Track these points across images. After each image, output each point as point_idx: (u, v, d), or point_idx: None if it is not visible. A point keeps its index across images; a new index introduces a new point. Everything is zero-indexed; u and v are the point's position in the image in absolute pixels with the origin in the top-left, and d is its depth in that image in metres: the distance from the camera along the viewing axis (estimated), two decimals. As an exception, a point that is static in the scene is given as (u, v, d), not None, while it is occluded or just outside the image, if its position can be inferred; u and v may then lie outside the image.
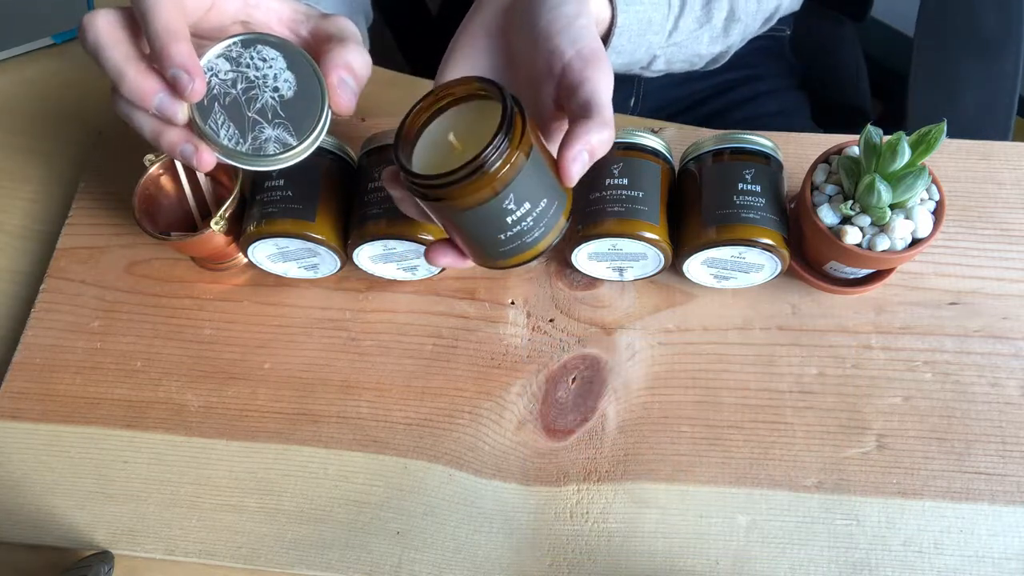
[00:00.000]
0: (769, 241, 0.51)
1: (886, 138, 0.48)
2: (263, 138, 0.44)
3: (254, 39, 0.44)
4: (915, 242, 0.50)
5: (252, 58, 0.44)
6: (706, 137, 0.55)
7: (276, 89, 0.44)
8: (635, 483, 0.53)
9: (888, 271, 0.56)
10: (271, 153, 0.44)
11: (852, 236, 0.50)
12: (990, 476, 0.51)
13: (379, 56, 0.60)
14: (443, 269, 0.59)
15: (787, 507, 0.51)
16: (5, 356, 0.60)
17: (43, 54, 0.73)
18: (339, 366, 0.58)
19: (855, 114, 0.88)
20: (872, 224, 0.50)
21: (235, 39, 0.44)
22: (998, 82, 0.71)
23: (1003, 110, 0.70)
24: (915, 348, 0.55)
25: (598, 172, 0.53)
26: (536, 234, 0.42)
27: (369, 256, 0.56)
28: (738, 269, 0.54)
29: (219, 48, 0.44)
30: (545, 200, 0.41)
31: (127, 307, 0.61)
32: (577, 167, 0.40)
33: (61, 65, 0.73)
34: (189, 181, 0.58)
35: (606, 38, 0.50)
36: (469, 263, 0.45)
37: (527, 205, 0.40)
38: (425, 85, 0.57)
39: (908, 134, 0.48)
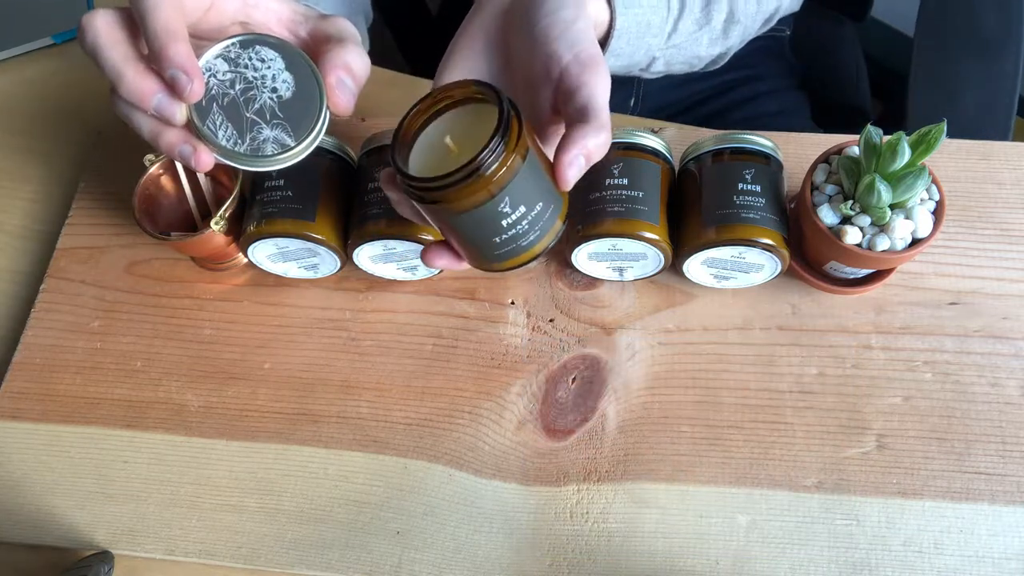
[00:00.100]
0: (769, 241, 0.51)
1: (886, 138, 0.48)
2: (261, 139, 0.44)
3: (252, 40, 0.44)
4: (915, 242, 0.50)
5: (250, 59, 0.44)
6: (706, 137, 0.55)
7: (274, 90, 0.44)
8: (635, 483, 0.53)
9: (888, 271, 0.56)
10: (269, 154, 0.44)
11: (852, 236, 0.50)
12: (990, 476, 0.51)
13: (379, 56, 0.60)
14: (443, 269, 0.59)
15: (787, 507, 0.51)
16: (5, 356, 0.60)
17: (43, 54, 0.73)
18: (339, 366, 0.58)
19: (855, 114, 0.88)
20: (872, 224, 0.50)
21: (233, 40, 0.44)
22: (998, 82, 0.71)
23: (1003, 110, 0.70)
24: (915, 348, 0.55)
25: (598, 172, 0.53)
26: (532, 237, 0.42)
27: (369, 256, 0.56)
28: (738, 269, 0.54)
29: (217, 49, 0.44)
30: (541, 204, 0.41)
31: (127, 307, 0.61)
32: (573, 171, 0.40)
33: (61, 65, 0.73)
34: (189, 181, 0.58)
35: (605, 41, 0.50)
36: (465, 265, 0.45)
37: (522, 208, 0.40)
38: (425, 85, 0.57)
39: (908, 134, 0.48)
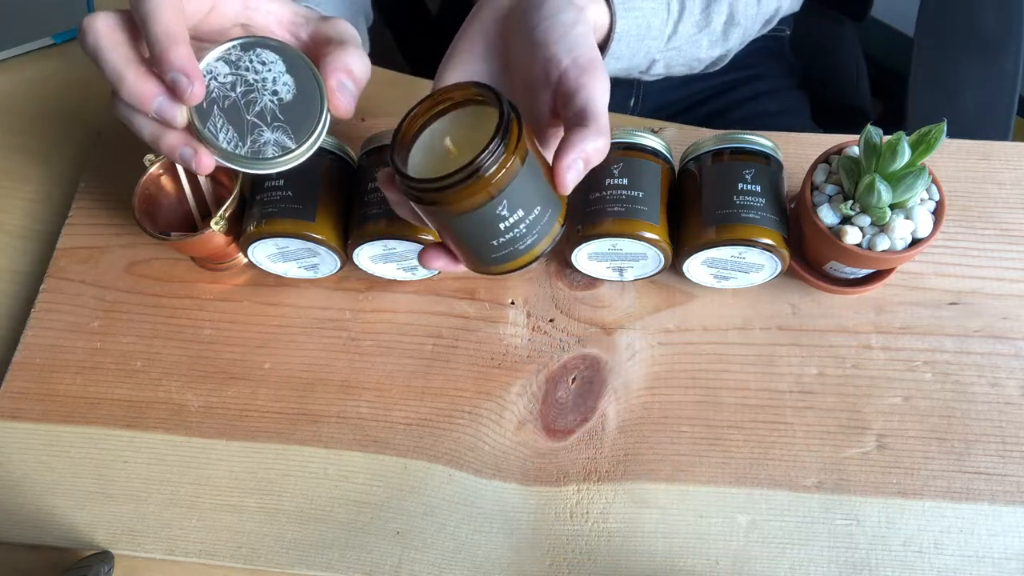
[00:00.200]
0: (769, 241, 0.51)
1: (886, 138, 0.48)
2: (262, 141, 0.44)
3: (253, 42, 0.44)
4: (915, 242, 0.50)
5: (251, 61, 0.44)
6: (706, 137, 0.55)
7: (275, 92, 0.44)
8: (635, 483, 0.53)
9: (888, 271, 0.56)
10: (270, 156, 0.44)
11: (852, 236, 0.50)
12: (990, 476, 0.51)
13: (379, 56, 0.60)
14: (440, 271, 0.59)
15: (787, 507, 0.51)
16: (5, 356, 0.60)
17: (43, 54, 0.73)
18: (339, 366, 0.58)
19: (855, 114, 0.88)
20: (872, 224, 0.50)
21: (234, 42, 0.44)
22: (998, 82, 0.71)
23: (1003, 110, 0.70)
24: (915, 348, 0.55)
25: (598, 172, 0.53)
26: (529, 241, 0.41)
27: (369, 256, 0.56)
28: (738, 269, 0.54)
29: (218, 51, 0.44)
30: (539, 207, 0.41)
31: (127, 307, 0.61)
32: (572, 175, 0.40)
33: (61, 65, 0.73)
34: (189, 181, 0.58)
35: (605, 44, 0.50)
36: (462, 267, 0.45)
37: (520, 212, 0.40)
38: (425, 85, 0.57)
39: (908, 134, 0.48)
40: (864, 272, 0.56)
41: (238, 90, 0.44)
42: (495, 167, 0.37)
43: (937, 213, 0.51)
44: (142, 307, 0.61)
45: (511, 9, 0.45)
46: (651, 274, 0.57)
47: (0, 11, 0.74)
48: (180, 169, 0.58)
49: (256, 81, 0.44)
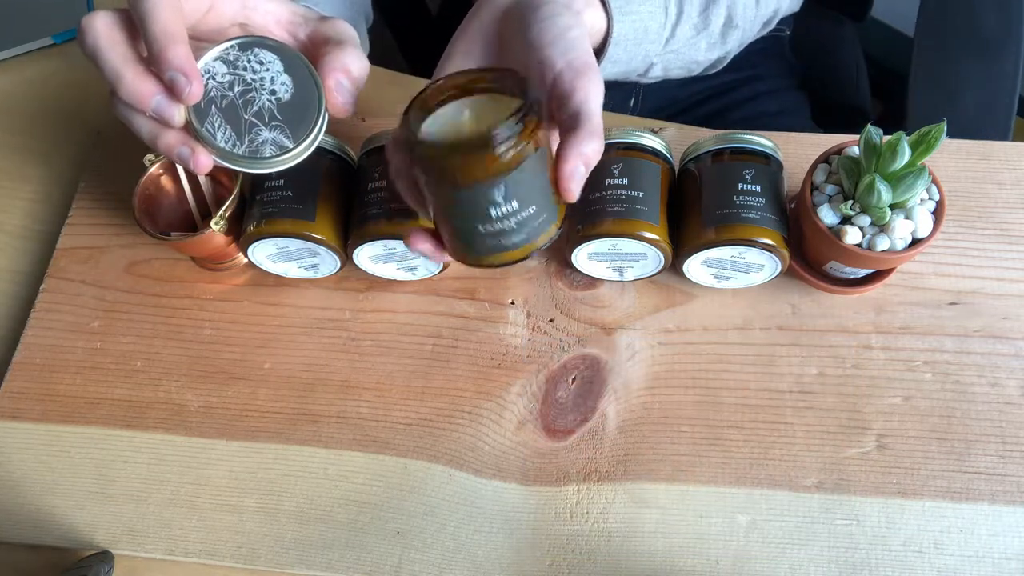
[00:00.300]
0: (769, 241, 0.51)
1: (886, 138, 0.48)
2: (259, 140, 0.44)
3: (251, 42, 0.44)
4: (915, 242, 0.50)
5: (249, 61, 0.44)
6: (706, 137, 0.55)
7: (273, 92, 0.44)
8: (635, 483, 0.53)
9: (888, 271, 0.56)
10: (267, 156, 0.44)
11: (852, 236, 0.50)
12: (990, 476, 0.51)
13: (379, 57, 0.60)
14: (443, 269, 0.59)
15: (787, 507, 0.51)
16: (5, 356, 0.60)
17: (43, 54, 0.73)
18: (339, 366, 0.58)
19: (855, 114, 0.88)
20: (872, 224, 0.50)
21: (232, 42, 0.44)
22: (998, 82, 0.71)
23: (1003, 110, 0.70)
24: (915, 348, 0.55)
25: (598, 172, 0.53)
26: (515, 239, 0.41)
27: (369, 256, 0.56)
28: (738, 269, 0.54)
29: (216, 51, 0.44)
30: (534, 207, 0.40)
31: (127, 307, 0.61)
32: (576, 183, 0.40)
33: (61, 65, 0.73)
34: (189, 181, 0.58)
35: (602, 48, 0.50)
36: (446, 256, 0.44)
37: (515, 204, 0.40)
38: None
39: (908, 134, 0.48)
40: (864, 272, 0.56)
41: (236, 90, 0.44)
42: (506, 144, 0.37)
43: (937, 213, 0.51)
44: (142, 307, 0.61)
45: (509, 10, 0.46)
46: (651, 274, 0.57)
47: (0, 11, 0.74)
48: (180, 169, 0.58)
49: (254, 81, 0.44)
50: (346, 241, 0.56)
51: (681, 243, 0.54)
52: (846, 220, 0.51)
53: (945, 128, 0.47)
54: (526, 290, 0.59)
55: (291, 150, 0.44)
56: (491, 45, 0.46)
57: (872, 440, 0.53)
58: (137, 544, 0.53)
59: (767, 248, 0.51)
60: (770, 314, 0.57)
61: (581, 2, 0.47)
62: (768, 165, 0.53)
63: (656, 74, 0.57)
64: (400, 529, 0.53)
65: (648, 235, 0.52)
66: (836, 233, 0.51)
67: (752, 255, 0.52)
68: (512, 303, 0.59)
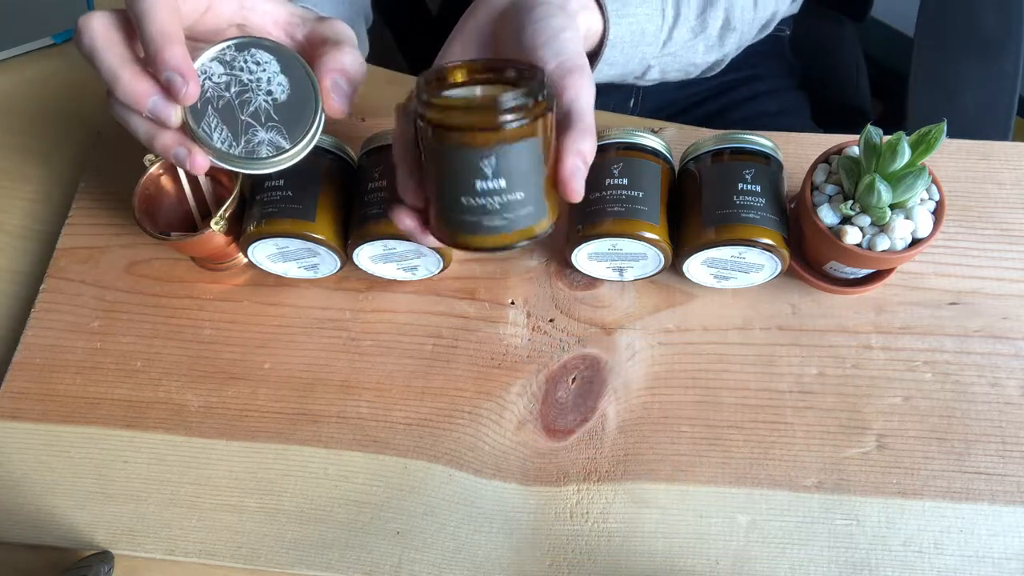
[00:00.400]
0: (769, 241, 0.51)
1: (886, 138, 0.48)
2: (256, 141, 0.44)
3: (248, 43, 0.44)
4: (915, 242, 0.50)
5: (246, 61, 0.44)
6: (706, 137, 0.55)
7: (269, 92, 0.44)
8: (635, 483, 0.53)
9: (888, 271, 0.56)
10: (264, 156, 0.44)
11: (852, 236, 0.50)
12: (990, 476, 0.51)
13: (379, 56, 0.60)
14: (443, 269, 0.59)
15: (787, 507, 0.51)
16: (5, 356, 0.60)
17: (43, 54, 0.73)
18: (339, 366, 0.58)
19: (855, 114, 0.88)
20: (872, 224, 0.50)
21: (229, 43, 0.44)
22: (998, 82, 0.71)
23: (1003, 110, 0.70)
24: (915, 348, 0.55)
25: (598, 172, 0.53)
26: (496, 222, 0.41)
27: (369, 256, 0.56)
28: (738, 269, 0.54)
29: (213, 51, 0.44)
30: (521, 194, 0.40)
31: (127, 307, 0.61)
32: (578, 181, 0.41)
33: (61, 65, 0.73)
34: (189, 181, 0.58)
35: (599, 50, 0.50)
36: (430, 239, 0.44)
37: (502, 182, 0.39)
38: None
39: (908, 134, 0.48)
40: (864, 272, 0.56)
41: (232, 90, 0.44)
42: (511, 113, 0.37)
43: (937, 213, 0.51)
44: (142, 307, 0.61)
45: (504, 11, 0.46)
46: (651, 274, 0.57)
47: (0, 11, 0.74)
48: (180, 169, 0.58)
49: (251, 81, 0.44)
50: (346, 241, 0.56)
51: (681, 243, 0.54)
52: (846, 220, 0.51)
53: (945, 128, 0.47)
54: (526, 290, 0.59)
55: (287, 151, 0.44)
56: (486, 45, 0.46)
57: (872, 440, 0.53)
58: (137, 544, 0.53)
59: (767, 248, 0.51)
60: (770, 314, 0.57)
61: (577, 4, 0.47)
62: (768, 165, 0.53)
63: (653, 76, 0.57)
64: (400, 529, 0.53)
65: (648, 235, 0.52)
66: (836, 233, 0.51)
67: (752, 255, 0.52)
68: (512, 303, 0.59)
